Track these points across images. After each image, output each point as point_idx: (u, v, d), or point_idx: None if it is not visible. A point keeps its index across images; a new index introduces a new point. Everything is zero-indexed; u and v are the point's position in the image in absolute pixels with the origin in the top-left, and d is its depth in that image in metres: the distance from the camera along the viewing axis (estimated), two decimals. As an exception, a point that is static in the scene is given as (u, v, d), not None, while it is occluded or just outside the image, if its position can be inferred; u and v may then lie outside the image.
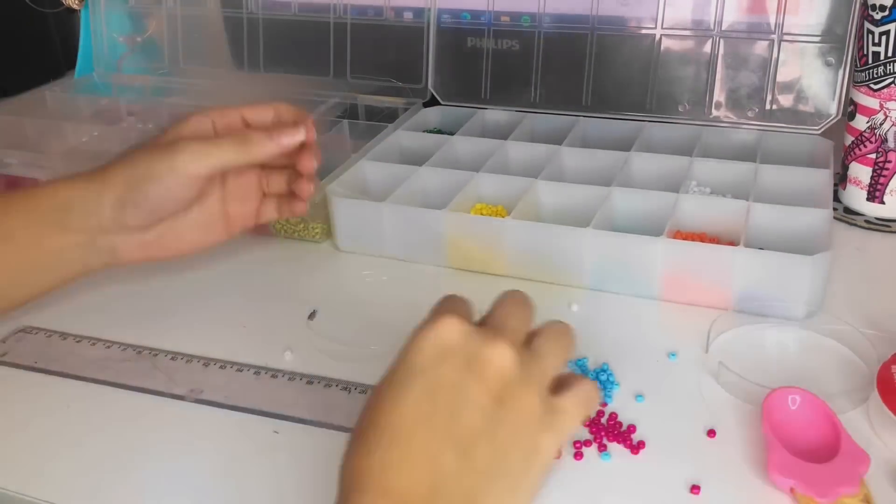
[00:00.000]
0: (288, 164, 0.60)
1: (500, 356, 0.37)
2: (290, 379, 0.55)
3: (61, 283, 0.58)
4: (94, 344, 0.59)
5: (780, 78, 0.77)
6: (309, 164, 0.59)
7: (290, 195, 0.61)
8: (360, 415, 0.37)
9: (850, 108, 0.70)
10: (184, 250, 0.59)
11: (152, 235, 0.56)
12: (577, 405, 0.39)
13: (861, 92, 0.68)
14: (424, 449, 0.35)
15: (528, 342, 0.39)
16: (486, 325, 0.39)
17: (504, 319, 0.40)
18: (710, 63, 0.79)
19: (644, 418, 0.50)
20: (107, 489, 0.48)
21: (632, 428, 0.49)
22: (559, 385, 0.39)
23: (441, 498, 0.34)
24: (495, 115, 0.85)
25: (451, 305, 0.40)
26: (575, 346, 0.41)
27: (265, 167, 0.61)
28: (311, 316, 0.60)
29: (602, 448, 0.48)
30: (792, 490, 0.43)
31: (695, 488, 0.45)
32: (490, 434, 0.36)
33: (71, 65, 1.02)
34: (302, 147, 0.58)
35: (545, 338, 0.40)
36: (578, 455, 0.48)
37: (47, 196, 0.56)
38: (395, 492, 0.34)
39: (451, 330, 0.37)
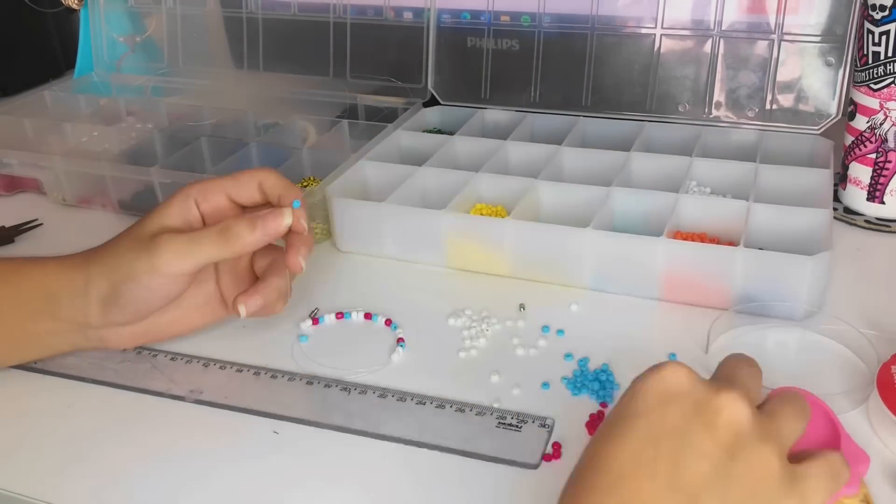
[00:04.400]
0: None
1: (732, 406, 0.35)
2: (290, 379, 0.55)
3: (47, 357, 0.57)
4: (94, 344, 0.59)
5: (780, 78, 0.77)
6: (294, 263, 0.53)
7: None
8: (581, 457, 0.36)
9: (850, 108, 0.70)
10: (182, 332, 0.57)
11: (144, 326, 0.54)
12: (824, 475, 0.36)
13: (861, 92, 0.68)
14: (645, 496, 0.33)
15: (760, 406, 0.37)
16: (715, 378, 0.38)
17: (734, 374, 0.38)
18: (710, 63, 0.79)
19: (644, 418, 0.50)
20: (106, 490, 0.47)
21: (632, 428, 0.49)
22: (800, 457, 0.36)
23: None
24: (495, 115, 0.85)
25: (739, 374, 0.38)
26: (809, 412, 0.39)
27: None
28: (313, 314, 0.60)
29: (602, 448, 0.48)
30: (792, 490, 0.43)
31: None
32: (721, 489, 0.33)
33: (71, 65, 1.02)
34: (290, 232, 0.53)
35: (779, 400, 0.38)
36: (578, 455, 0.48)
37: (34, 283, 0.53)
38: None
39: (677, 375, 0.36)
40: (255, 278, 0.57)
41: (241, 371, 0.56)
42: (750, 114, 0.79)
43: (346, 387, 0.54)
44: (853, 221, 0.71)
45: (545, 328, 0.59)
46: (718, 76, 0.79)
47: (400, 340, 0.58)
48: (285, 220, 0.52)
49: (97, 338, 0.54)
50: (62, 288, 0.53)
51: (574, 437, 0.49)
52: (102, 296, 0.52)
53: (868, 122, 0.68)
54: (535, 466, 0.47)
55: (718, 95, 0.79)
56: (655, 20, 0.80)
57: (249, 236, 0.51)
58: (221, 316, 0.57)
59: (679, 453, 0.33)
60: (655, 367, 0.36)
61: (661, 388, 0.35)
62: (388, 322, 0.60)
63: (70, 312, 0.53)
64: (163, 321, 0.55)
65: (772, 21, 0.76)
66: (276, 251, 0.56)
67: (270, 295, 0.54)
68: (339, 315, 0.60)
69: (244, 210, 0.56)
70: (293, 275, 0.55)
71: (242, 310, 0.53)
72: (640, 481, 0.33)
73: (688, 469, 0.33)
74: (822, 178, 0.67)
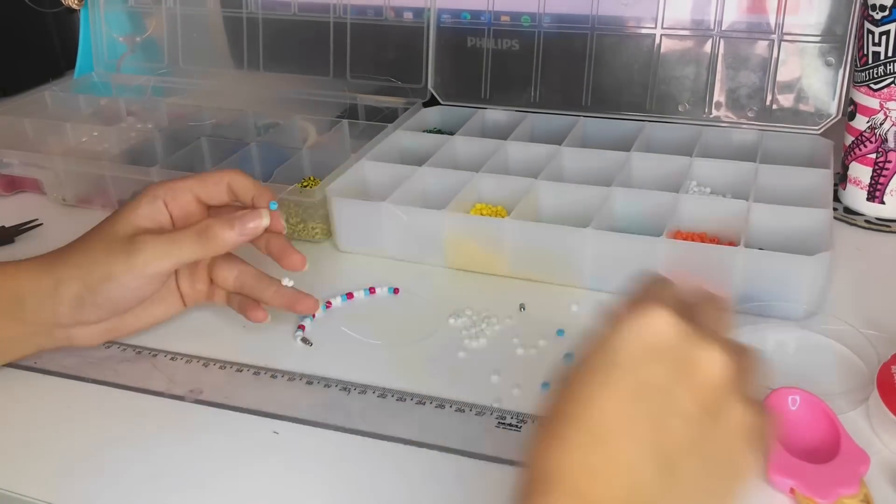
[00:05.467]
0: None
1: (714, 362, 0.34)
2: (290, 379, 0.55)
3: (10, 361, 0.56)
4: (94, 344, 0.59)
5: (780, 78, 0.77)
6: (296, 261, 0.55)
7: (242, 298, 0.58)
8: (555, 403, 0.34)
9: (850, 108, 0.70)
10: (143, 327, 0.58)
11: (111, 323, 0.56)
12: (770, 420, 0.36)
13: (861, 92, 0.68)
14: (626, 457, 0.32)
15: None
16: (695, 322, 0.35)
17: (711, 320, 0.36)
18: (710, 63, 0.79)
19: (644, 418, 0.50)
20: (106, 489, 0.47)
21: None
22: None
23: None
24: (495, 115, 0.85)
25: (659, 292, 0.36)
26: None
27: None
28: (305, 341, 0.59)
29: (602, 448, 0.48)
30: (792, 490, 0.43)
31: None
32: (698, 449, 0.33)
33: (71, 65, 1.02)
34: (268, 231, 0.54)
35: (744, 353, 0.36)
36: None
37: None
38: (590, 497, 0.32)
39: (662, 324, 0.34)
40: (210, 278, 0.58)
41: (241, 371, 0.56)
42: (750, 114, 0.79)
43: (346, 387, 0.54)
44: (853, 221, 0.71)
45: (545, 328, 0.59)
46: (718, 76, 0.79)
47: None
48: (263, 220, 0.54)
49: (64, 337, 0.55)
50: (28, 291, 0.53)
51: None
52: (74, 296, 0.52)
53: (868, 122, 0.68)
54: (535, 466, 0.47)
55: (718, 95, 0.79)
56: (655, 20, 0.80)
57: (228, 236, 0.53)
58: (180, 310, 0.59)
59: (662, 414, 0.33)
60: (640, 313, 0.34)
61: (647, 340, 0.34)
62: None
63: (37, 315, 0.53)
64: (129, 317, 0.56)
65: (772, 21, 0.76)
66: (237, 262, 0.58)
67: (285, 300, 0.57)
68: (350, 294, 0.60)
69: (211, 210, 0.57)
70: (297, 271, 0.56)
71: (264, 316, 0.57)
72: (623, 441, 0.32)
73: (669, 431, 0.33)
74: (822, 178, 0.67)
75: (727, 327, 0.36)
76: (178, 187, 0.55)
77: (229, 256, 0.58)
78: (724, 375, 0.34)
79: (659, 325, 0.34)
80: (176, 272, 0.58)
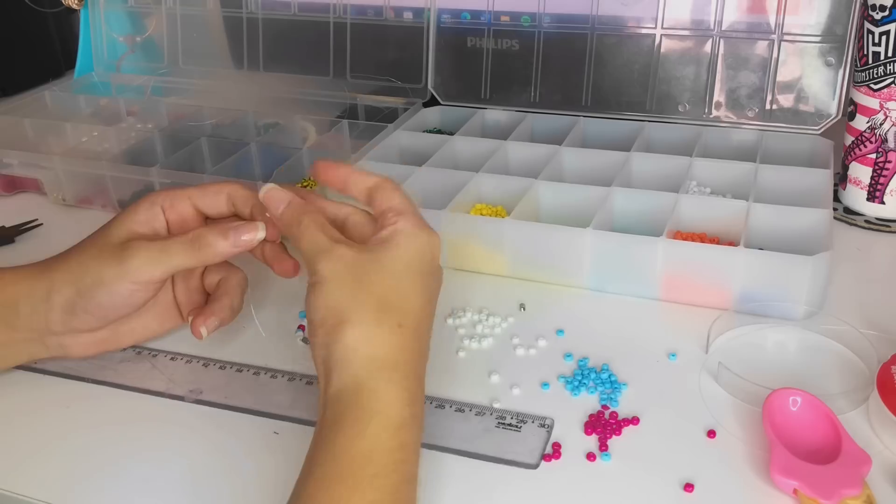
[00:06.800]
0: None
1: (438, 251, 0.49)
2: (289, 379, 0.55)
3: (2, 369, 0.56)
4: (93, 344, 0.59)
5: (780, 78, 0.77)
6: (291, 266, 0.54)
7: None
8: (370, 271, 0.46)
9: (850, 108, 0.70)
10: (138, 340, 0.57)
11: (105, 334, 0.55)
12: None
13: (861, 92, 0.68)
14: (428, 330, 0.47)
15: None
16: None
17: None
18: (710, 63, 0.79)
19: (644, 418, 0.50)
20: (106, 489, 0.47)
21: (632, 428, 0.49)
22: None
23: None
24: (495, 115, 0.85)
25: (407, 203, 0.50)
26: None
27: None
28: None
29: (603, 448, 0.48)
30: (795, 491, 0.43)
31: (692, 487, 0.45)
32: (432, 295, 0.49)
33: (71, 65, 1.02)
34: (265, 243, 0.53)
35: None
36: (591, 456, 0.48)
37: None
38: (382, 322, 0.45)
39: (438, 249, 0.49)
40: (205, 290, 0.57)
41: (241, 371, 0.56)
42: (750, 114, 0.79)
43: (346, 387, 0.54)
44: (853, 221, 0.71)
45: (545, 328, 0.59)
46: (718, 76, 0.79)
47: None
48: (259, 233, 0.52)
49: (57, 345, 0.54)
50: (21, 296, 0.52)
51: (574, 437, 0.49)
52: (67, 302, 0.52)
53: (868, 122, 0.68)
54: (535, 466, 0.47)
55: (718, 95, 0.79)
56: (655, 20, 0.80)
57: (221, 245, 0.51)
58: (177, 324, 0.58)
59: (434, 306, 0.49)
60: (431, 236, 0.48)
61: (434, 258, 0.48)
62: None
63: (29, 321, 0.52)
64: (124, 329, 0.56)
65: (772, 21, 0.76)
66: (225, 268, 0.57)
67: (224, 313, 0.55)
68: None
69: (209, 221, 0.56)
70: (288, 277, 0.55)
71: (204, 332, 0.54)
72: (424, 323, 0.47)
73: (430, 299, 0.48)
74: (822, 178, 0.67)
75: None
76: (177, 195, 0.55)
77: (224, 265, 0.57)
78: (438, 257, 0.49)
79: (438, 249, 0.48)
80: (173, 285, 0.57)
